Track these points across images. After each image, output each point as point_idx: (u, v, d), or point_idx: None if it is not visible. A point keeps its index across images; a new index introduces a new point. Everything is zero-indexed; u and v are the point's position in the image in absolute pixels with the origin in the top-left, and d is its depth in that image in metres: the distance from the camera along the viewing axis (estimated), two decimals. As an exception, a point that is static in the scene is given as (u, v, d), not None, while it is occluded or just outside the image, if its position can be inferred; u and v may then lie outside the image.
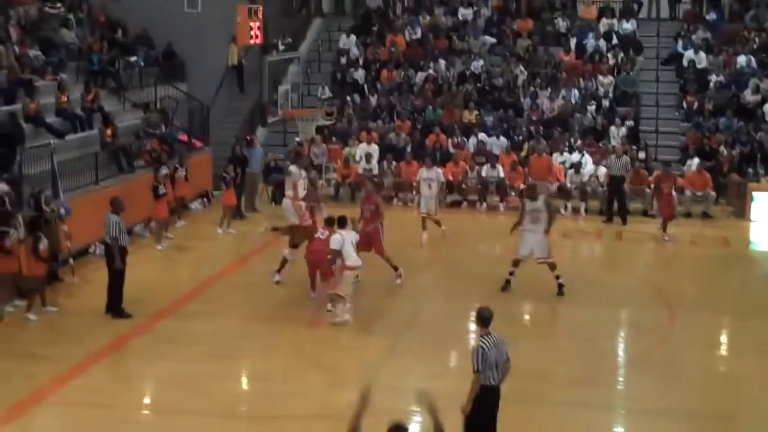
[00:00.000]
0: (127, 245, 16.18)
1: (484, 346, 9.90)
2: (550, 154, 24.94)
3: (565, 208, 23.95)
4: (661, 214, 21.90)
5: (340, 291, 15.34)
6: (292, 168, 18.22)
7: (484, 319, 10.12)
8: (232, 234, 21.69)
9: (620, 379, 13.74)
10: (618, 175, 23.30)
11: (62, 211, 17.56)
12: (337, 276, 15.39)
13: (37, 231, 15.52)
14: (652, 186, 22.75)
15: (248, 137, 25.33)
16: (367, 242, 17.06)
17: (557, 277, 16.88)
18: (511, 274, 17.08)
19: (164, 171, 20.90)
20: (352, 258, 15.27)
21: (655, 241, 22.02)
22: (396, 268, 17.31)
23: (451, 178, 24.64)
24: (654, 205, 23.02)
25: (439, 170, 21.54)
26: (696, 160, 24.54)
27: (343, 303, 15.41)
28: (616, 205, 23.25)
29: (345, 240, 15.22)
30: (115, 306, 15.61)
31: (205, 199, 24.71)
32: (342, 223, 15.60)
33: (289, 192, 17.80)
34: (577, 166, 24.37)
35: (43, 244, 15.33)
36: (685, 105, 27.80)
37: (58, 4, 27.44)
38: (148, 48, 28.62)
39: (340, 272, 15.33)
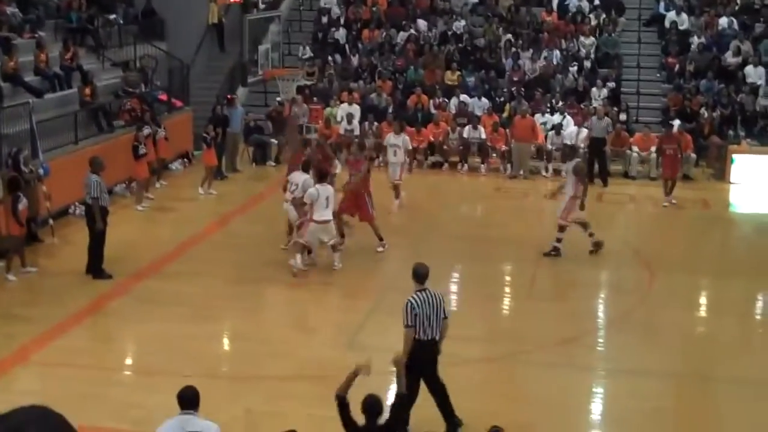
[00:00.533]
0: (108, 205, 16.11)
1: (413, 301, 10.15)
2: (532, 114, 24.90)
3: (546, 169, 24.00)
4: (664, 176, 21.86)
5: (301, 239, 15.49)
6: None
7: (418, 276, 10.40)
8: (214, 195, 21.62)
9: (600, 339, 13.85)
10: (599, 137, 23.31)
11: (41, 171, 17.46)
12: (304, 227, 15.49)
13: (16, 191, 15.36)
14: (655, 149, 22.83)
15: (229, 97, 25.14)
16: (354, 207, 17.02)
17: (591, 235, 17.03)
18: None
19: (146, 131, 20.79)
20: (320, 213, 15.34)
21: (634, 203, 22.14)
22: (381, 238, 17.16)
23: (432, 139, 24.64)
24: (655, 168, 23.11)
25: (407, 137, 20.98)
26: (677, 122, 24.56)
27: (303, 252, 15.55)
28: (596, 167, 23.23)
29: (320, 195, 15.31)
30: (96, 267, 15.56)
31: (185, 160, 24.59)
32: (322, 178, 15.62)
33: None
34: (558, 128, 24.33)
35: (22, 204, 15.19)
36: (666, 67, 27.79)
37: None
38: (127, 5, 28.32)
39: (306, 224, 15.47)
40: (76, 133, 20.41)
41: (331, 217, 15.75)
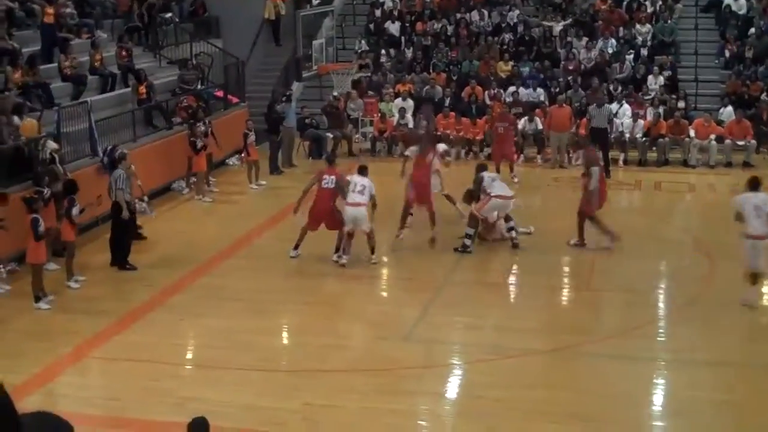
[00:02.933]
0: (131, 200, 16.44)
1: None
2: (570, 104, 24.64)
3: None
4: None
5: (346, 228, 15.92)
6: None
7: None
8: (264, 185, 21.79)
9: (661, 330, 13.66)
10: (600, 126, 22.59)
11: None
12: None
13: (72, 194, 15.40)
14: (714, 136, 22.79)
15: (287, 94, 25.29)
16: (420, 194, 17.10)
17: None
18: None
19: (201, 128, 21.00)
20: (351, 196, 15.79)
21: (694, 192, 21.87)
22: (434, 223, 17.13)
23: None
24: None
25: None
26: (728, 109, 24.18)
27: (348, 241, 15.85)
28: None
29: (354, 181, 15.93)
30: (122, 258, 15.93)
31: (241, 155, 24.71)
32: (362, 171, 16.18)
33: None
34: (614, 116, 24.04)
35: (76, 209, 15.24)
36: (725, 53, 27.37)
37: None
38: (181, 4, 28.58)
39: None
40: (134, 130, 20.65)
41: (363, 202, 15.91)
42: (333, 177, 16.09)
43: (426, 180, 16.96)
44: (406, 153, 18.77)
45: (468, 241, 16.54)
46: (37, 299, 14.11)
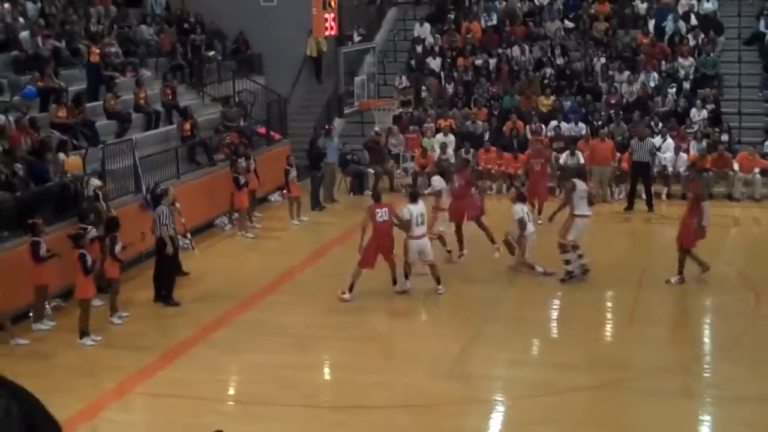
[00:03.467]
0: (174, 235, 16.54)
1: None
2: (612, 137, 24.57)
3: (619, 192, 23.87)
4: None
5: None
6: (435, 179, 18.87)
7: None
8: (306, 221, 21.89)
9: (707, 366, 13.50)
10: (642, 161, 22.54)
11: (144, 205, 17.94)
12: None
13: (113, 232, 15.52)
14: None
15: (326, 127, 25.46)
16: (461, 211, 17.88)
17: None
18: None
19: (243, 164, 21.16)
20: (414, 230, 16.05)
21: (738, 226, 21.64)
22: (493, 241, 17.93)
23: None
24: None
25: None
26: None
27: (408, 269, 16.21)
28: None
29: (413, 213, 16.04)
30: (167, 294, 16.04)
31: (284, 191, 24.81)
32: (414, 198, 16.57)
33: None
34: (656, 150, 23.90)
35: (119, 247, 15.34)
36: (768, 85, 27.17)
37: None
38: (224, 42, 28.93)
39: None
40: (177, 167, 20.85)
41: (424, 231, 16.33)
42: (386, 209, 16.19)
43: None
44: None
45: (570, 267, 16.68)
46: (83, 335, 14.23)
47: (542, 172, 22.24)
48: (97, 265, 14.92)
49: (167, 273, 16.20)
